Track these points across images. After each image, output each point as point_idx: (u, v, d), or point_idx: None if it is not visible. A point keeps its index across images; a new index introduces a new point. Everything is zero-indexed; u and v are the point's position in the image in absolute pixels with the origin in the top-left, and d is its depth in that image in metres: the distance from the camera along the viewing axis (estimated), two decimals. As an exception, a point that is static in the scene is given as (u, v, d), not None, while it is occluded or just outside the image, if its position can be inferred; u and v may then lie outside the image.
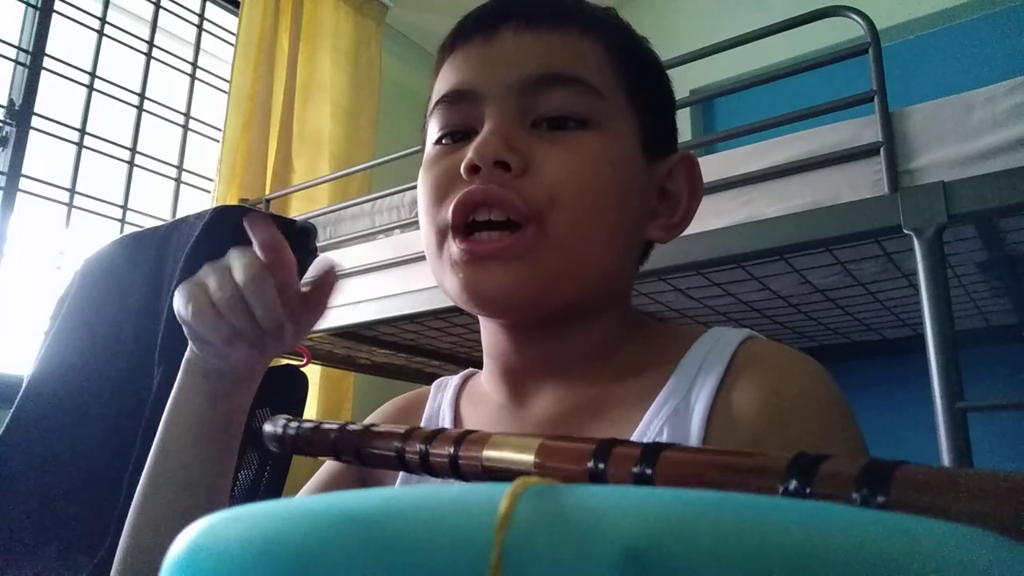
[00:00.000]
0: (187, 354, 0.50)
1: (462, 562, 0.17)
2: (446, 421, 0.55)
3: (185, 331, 0.47)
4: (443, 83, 0.50)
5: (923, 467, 0.23)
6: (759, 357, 0.45)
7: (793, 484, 0.22)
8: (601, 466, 0.26)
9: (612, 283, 0.50)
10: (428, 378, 2.42)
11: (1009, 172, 1.00)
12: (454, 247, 0.46)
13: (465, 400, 0.57)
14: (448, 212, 0.45)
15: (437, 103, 0.50)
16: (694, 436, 0.43)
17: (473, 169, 0.45)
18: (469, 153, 0.45)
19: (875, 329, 1.92)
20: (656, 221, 0.52)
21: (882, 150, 1.09)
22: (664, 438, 0.45)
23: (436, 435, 0.32)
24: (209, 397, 0.49)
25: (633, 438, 0.45)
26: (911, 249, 1.04)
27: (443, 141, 0.49)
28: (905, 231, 1.04)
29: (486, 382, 0.55)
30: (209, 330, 0.45)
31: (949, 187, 1.02)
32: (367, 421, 0.40)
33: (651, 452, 0.26)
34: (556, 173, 0.45)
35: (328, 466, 0.58)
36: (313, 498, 0.21)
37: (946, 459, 0.95)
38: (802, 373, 0.44)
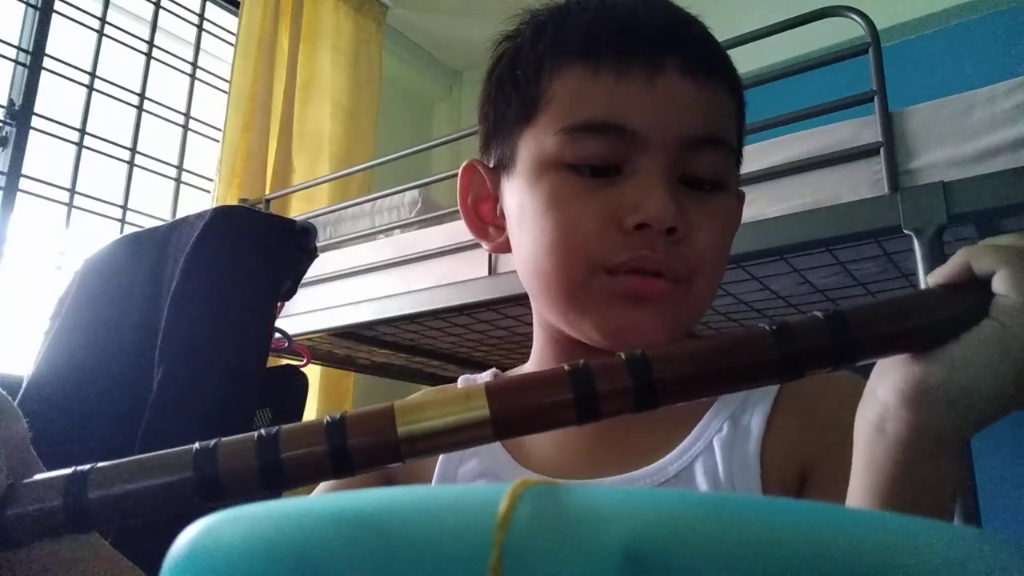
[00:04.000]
0: None
1: (462, 562, 0.17)
2: None
3: None
4: (588, 103, 0.47)
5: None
6: None
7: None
8: (588, 388, 0.28)
9: None
10: (428, 378, 2.42)
11: (1009, 172, 0.99)
12: (612, 281, 0.46)
13: None
14: (612, 259, 0.46)
15: (584, 127, 0.47)
16: (755, 430, 0.47)
17: (643, 226, 0.45)
18: (646, 212, 0.45)
19: (875, 329, 1.92)
20: None
21: (882, 150, 1.09)
22: (724, 431, 0.48)
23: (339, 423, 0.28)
24: None
25: (695, 432, 0.49)
26: (911, 249, 1.04)
27: (581, 171, 0.47)
28: (905, 231, 1.04)
29: None
30: None
31: (949, 187, 1.02)
32: None
33: (639, 360, 0.28)
34: (708, 240, 0.47)
35: None
36: (313, 498, 0.21)
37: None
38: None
